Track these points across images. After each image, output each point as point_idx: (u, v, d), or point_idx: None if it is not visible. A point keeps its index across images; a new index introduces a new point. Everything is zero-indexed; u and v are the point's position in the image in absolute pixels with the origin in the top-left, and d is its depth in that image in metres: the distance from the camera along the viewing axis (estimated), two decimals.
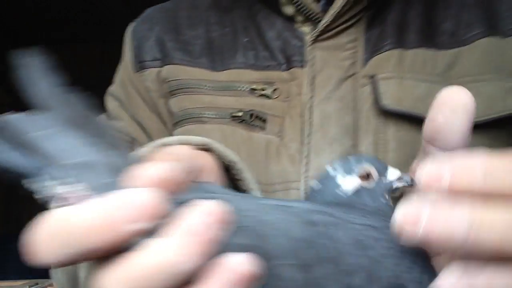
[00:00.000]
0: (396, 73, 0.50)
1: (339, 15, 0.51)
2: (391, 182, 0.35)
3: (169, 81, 0.58)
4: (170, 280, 0.22)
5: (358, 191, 0.34)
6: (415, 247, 0.26)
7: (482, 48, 0.51)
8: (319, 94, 0.52)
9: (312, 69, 0.52)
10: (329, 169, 0.36)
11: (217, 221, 0.23)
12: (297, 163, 0.50)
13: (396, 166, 0.40)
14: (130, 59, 0.61)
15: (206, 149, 0.37)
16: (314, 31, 0.53)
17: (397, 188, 0.34)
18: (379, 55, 0.52)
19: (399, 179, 0.34)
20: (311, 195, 0.36)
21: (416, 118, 0.48)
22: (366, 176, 0.34)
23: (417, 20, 0.54)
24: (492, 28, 0.52)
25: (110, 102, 0.64)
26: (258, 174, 0.51)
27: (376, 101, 0.49)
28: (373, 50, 0.53)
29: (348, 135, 0.50)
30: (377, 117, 0.49)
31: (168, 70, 0.58)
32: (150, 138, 0.60)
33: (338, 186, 0.35)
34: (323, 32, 0.52)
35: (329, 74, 0.52)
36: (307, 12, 0.54)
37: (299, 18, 0.55)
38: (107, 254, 0.23)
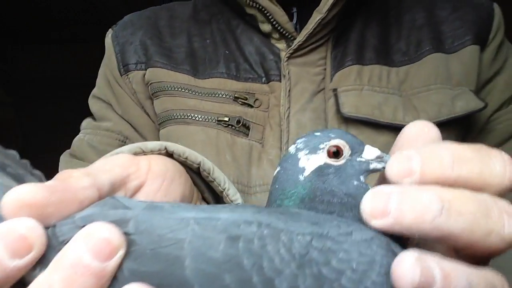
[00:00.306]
0: (355, 85, 0.56)
1: (311, 35, 0.57)
2: (368, 162, 0.29)
3: (152, 83, 0.60)
4: None
5: (321, 170, 0.28)
6: (387, 254, 0.23)
7: (431, 62, 0.58)
8: (295, 105, 0.57)
9: (288, 83, 0.57)
10: (291, 148, 0.30)
11: (105, 248, 0.20)
12: (277, 167, 0.53)
13: None
14: (115, 63, 0.63)
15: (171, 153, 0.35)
16: (288, 49, 0.58)
17: (375, 170, 0.29)
18: (341, 70, 0.58)
19: (379, 158, 0.29)
20: (272, 184, 0.31)
21: (373, 123, 0.54)
22: (336, 153, 0.28)
23: (373, 40, 0.60)
24: (438, 46, 0.59)
25: (95, 104, 0.66)
26: (241, 176, 0.55)
27: (338, 110, 0.55)
28: (338, 66, 0.58)
29: None
30: (340, 124, 0.55)
31: (151, 73, 0.61)
32: (142, 135, 0.63)
33: (300, 168, 0.28)
34: (296, 50, 0.58)
35: (304, 88, 0.58)
36: (282, 31, 0.58)
37: (275, 35, 0.59)
38: None
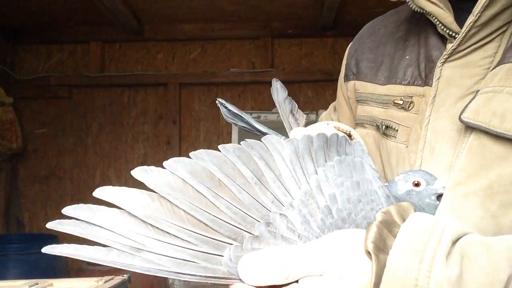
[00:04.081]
0: (497, 86, 0.49)
1: (470, 34, 0.52)
2: (436, 189, 0.51)
3: (357, 92, 0.71)
4: None
5: (409, 192, 0.51)
6: None
7: None
8: (435, 113, 0.57)
9: (435, 88, 0.58)
10: (396, 177, 0.53)
11: None
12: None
13: (446, 171, 0.53)
14: (343, 71, 0.79)
15: None
16: (448, 50, 0.55)
17: (439, 193, 0.51)
18: (494, 69, 0.51)
19: (443, 187, 0.51)
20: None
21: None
22: (417, 184, 0.50)
23: None
24: None
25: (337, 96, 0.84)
26: (390, 176, 0.62)
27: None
28: (498, 64, 0.51)
29: (453, 148, 0.54)
30: (465, 129, 0.51)
31: (358, 84, 0.71)
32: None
33: (398, 188, 0.51)
34: (454, 51, 0.55)
35: (448, 94, 0.56)
36: (449, 32, 0.56)
37: (447, 35, 0.57)
38: None
